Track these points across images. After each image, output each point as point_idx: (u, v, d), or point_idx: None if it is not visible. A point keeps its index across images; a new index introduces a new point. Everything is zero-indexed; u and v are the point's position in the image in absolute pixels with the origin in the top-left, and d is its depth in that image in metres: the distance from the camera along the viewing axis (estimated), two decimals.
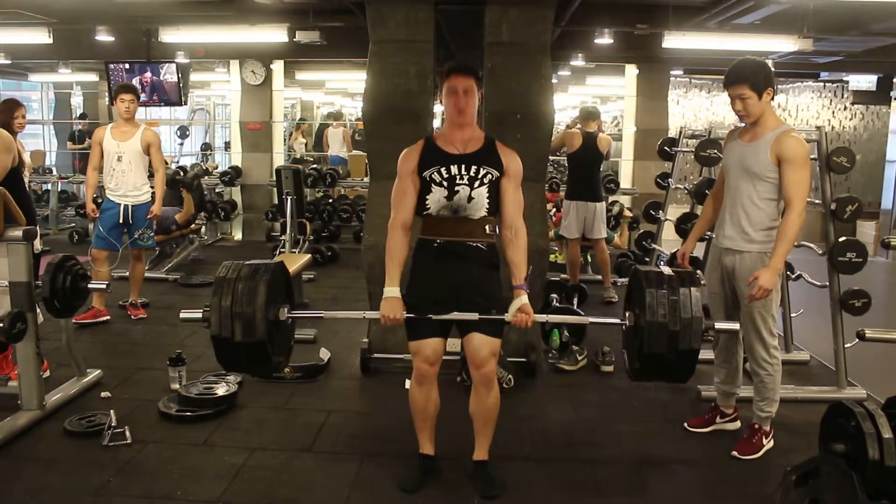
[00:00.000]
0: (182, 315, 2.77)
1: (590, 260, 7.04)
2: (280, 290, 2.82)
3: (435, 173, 2.78)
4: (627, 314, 2.78)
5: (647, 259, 6.13)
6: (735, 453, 3.27)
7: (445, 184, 2.78)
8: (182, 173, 7.52)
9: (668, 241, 5.90)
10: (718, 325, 2.77)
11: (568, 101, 16.58)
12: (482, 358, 2.76)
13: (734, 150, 3.26)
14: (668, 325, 2.58)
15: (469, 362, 2.86)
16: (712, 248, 3.46)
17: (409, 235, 2.85)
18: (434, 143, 2.87)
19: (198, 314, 2.69)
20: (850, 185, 10.87)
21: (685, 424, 3.59)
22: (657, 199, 6.02)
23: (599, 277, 6.50)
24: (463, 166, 2.78)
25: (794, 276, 4.37)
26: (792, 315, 4.66)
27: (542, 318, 2.91)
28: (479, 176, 2.78)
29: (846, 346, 4.00)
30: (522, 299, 2.74)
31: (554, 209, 7.34)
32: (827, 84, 11.83)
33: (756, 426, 3.34)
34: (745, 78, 3.08)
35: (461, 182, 2.78)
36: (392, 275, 2.78)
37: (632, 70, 9.26)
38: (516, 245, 2.80)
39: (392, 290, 2.77)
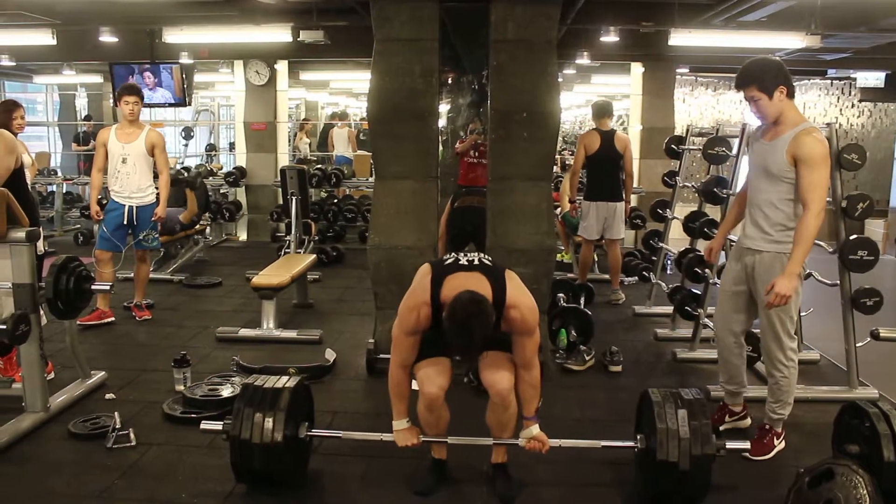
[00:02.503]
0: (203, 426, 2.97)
1: (595, 259, 6.98)
2: (301, 409, 2.96)
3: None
4: (639, 437, 2.87)
5: (654, 258, 6.08)
6: (746, 454, 3.23)
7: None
8: (185, 172, 7.50)
9: (676, 239, 5.86)
10: (730, 445, 2.79)
11: (573, 100, 16.53)
12: (499, 376, 2.74)
13: (756, 150, 3.22)
14: (681, 435, 2.65)
15: (484, 381, 2.83)
16: (735, 246, 3.44)
17: (410, 372, 2.83)
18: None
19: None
20: (858, 184, 10.78)
21: None
22: (664, 197, 5.98)
23: (607, 277, 6.45)
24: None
25: (804, 275, 4.32)
26: (802, 314, 4.61)
27: (556, 442, 2.85)
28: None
29: (858, 345, 3.95)
30: (533, 430, 2.78)
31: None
32: (834, 81, 11.73)
33: (767, 427, 3.30)
34: (753, 79, 3.03)
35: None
36: (399, 410, 2.81)
37: (637, 68, 9.21)
38: (529, 382, 2.75)
39: (401, 424, 2.81)
